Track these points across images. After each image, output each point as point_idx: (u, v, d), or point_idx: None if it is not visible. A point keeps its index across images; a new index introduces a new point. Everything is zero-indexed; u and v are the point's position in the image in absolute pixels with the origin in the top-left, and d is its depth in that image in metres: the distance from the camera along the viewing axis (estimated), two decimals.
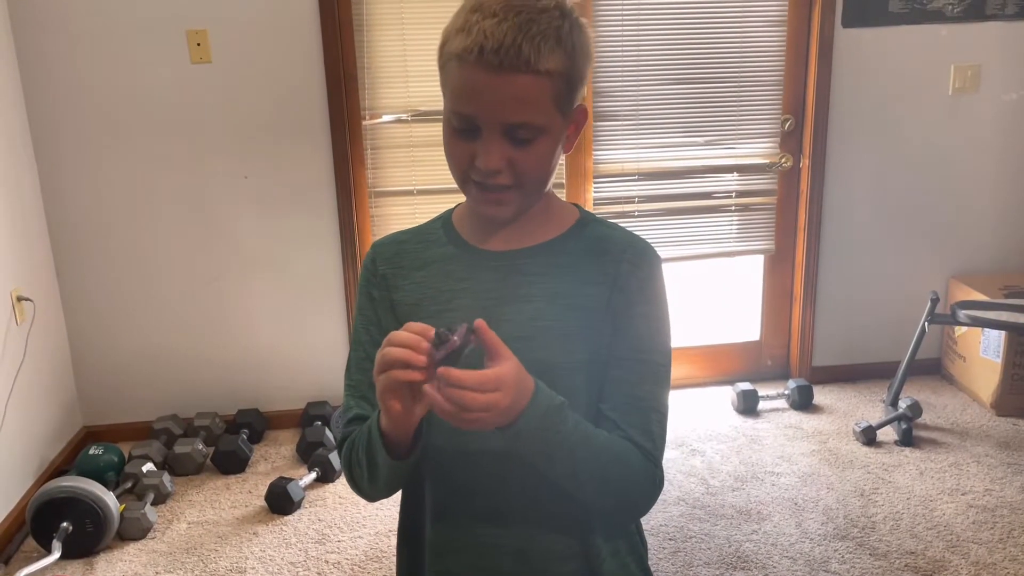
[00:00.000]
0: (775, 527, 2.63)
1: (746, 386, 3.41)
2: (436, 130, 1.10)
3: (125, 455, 3.00)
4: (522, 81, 1.00)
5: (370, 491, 1.14)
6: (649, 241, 1.18)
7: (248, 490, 2.94)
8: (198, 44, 3.02)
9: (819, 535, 2.58)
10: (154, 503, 2.81)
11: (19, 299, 2.87)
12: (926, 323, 3.14)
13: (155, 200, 3.15)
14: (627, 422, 1.11)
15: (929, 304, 3.13)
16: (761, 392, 3.43)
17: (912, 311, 3.40)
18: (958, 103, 3.39)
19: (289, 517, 2.77)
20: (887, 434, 3.16)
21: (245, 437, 3.14)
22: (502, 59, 0.99)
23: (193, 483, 3.00)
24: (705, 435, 3.22)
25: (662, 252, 1.18)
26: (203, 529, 2.72)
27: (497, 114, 1.02)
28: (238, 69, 3.06)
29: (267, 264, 3.25)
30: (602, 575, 1.15)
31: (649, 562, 1.25)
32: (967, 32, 3.31)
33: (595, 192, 3.37)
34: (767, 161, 3.44)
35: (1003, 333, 3.19)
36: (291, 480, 2.81)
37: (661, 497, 1.08)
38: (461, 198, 1.16)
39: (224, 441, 3.07)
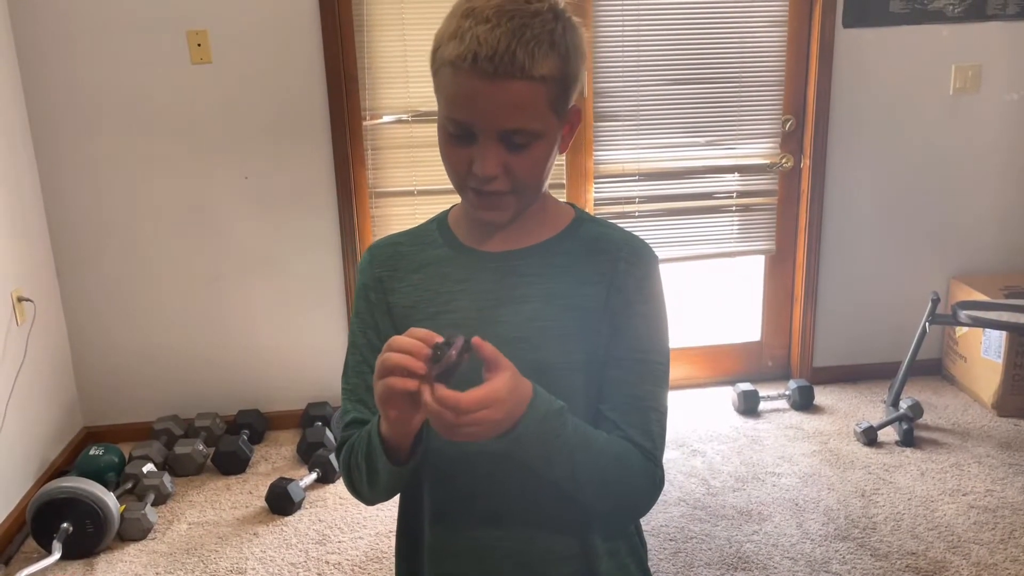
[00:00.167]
0: (776, 528, 2.63)
1: (747, 386, 3.41)
2: (436, 131, 1.10)
3: (125, 456, 3.00)
4: (517, 87, 1.00)
5: (369, 495, 1.14)
6: (648, 241, 1.17)
7: (248, 491, 2.94)
8: (198, 45, 3.02)
9: (820, 536, 2.58)
10: (154, 504, 2.81)
11: (19, 300, 2.87)
12: (927, 323, 3.13)
13: (155, 200, 3.15)
14: (627, 422, 1.10)
15: (930, 304, 3.12)
16: (762, 392, 3.42)
17: (913, 311, 3.40)
18: (959, 103, 3.39)
19: (289, 518, 2.77)
20: (888, 435, 3.16)
21: (245, 438, 3.14)
22: (496, 66, 0.98)
23: (193, 484, 3.00)
24: (706, 435, 3.22)
25: (663, 252, 1.18)
26: (203, 530, 2.72)
27: (493, 121, 1.01)
28: (238, 69, 3.06)
29: (268, 264, 3.25)
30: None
31: (649, 563, 1.25)
32: (968, 32, 3.31)
33: (596, 192, 3.36)
34: (768, 161, 3.44)
35: (1004, 333, 3.18)
36: (291, 481, 2.81)
37: (662, 498, 1.08)
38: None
39: (224, 442, 3.07)
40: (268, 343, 3.32)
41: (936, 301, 3.12)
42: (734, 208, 3.48)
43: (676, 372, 3.48)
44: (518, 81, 0.99)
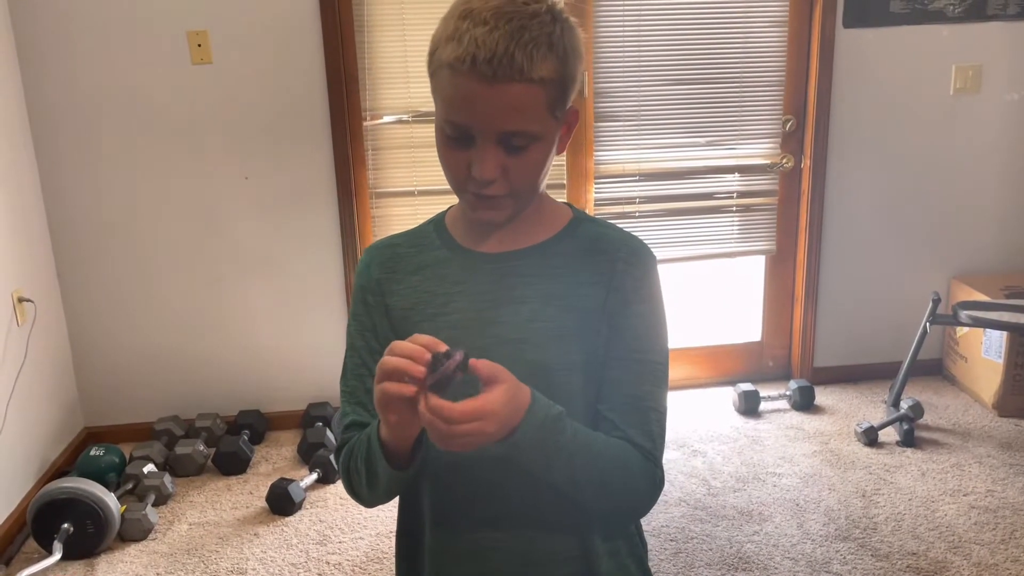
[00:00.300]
0: (777, 528, 2.63)
1: (747, 387, 3.41)
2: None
3: (126, 456, 3.00)
4: (516, 90, 0.99)
5: (369, 498, 1.14)
6: (649, 241, 1.17)
7: (249, 491, 2.94)
8: (199, 45, 3.02)
9: (821, 536, 2.58)
10: (155, 504, 2.81)
11: (20, 300, 2.88)
12: (927, 323, 3.13)
13: (156, 201, 3.15)
14: (626, 422, 1.10)
15: (931, 304, 3.12)
16: (762, 393, 3.42)
17: (913, 311, 3.40)
18: (959, 103, 3.39)
19: (290, 518, 2.77)
20: (889, 435, 3.15)
21: (246, 438, 3.14)
22: (495, 69, 0.97)
23: (194, 484, 3.00)
24: (706, 436, 3.22)
25: (663, 253, 1.18)
26: (204, 530, 2.72)
27: (491, 123, 1.01)
28: (239, 70, 3.06)
29: (268, 265, 3.25)
30: None
31: (650, 563, 1.25)
32: (968, 32, 3.31)
33: (596, 193, 3.36)
34: (768, 162, 3.44)
35: (1004, 333, 3.18)
36: (292, 481, 2.81)
37: (662, 498, 1.08)
38: None
39: (225, 442, 3.07)
40: (269, 343, 3.32)
41: (937, 301, 3.12)
42: (734, 208, 3.48)
43: (676, 372, 3.48)
44: (517, 84, 0.99)
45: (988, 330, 3.24)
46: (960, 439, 3.14)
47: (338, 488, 2.94)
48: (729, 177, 3.45)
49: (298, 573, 2.50)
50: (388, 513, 2.75)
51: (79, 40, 2.97)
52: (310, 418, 3.27)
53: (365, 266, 1.20)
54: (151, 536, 2.69)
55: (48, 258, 3.12)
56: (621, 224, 1.21)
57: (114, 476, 2.88)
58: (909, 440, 3.08)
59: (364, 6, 3.07)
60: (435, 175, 3.20)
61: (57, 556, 2.51)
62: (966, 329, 3.39)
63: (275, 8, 3.02)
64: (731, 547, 2.54)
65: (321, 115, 3.12)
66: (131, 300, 3.22)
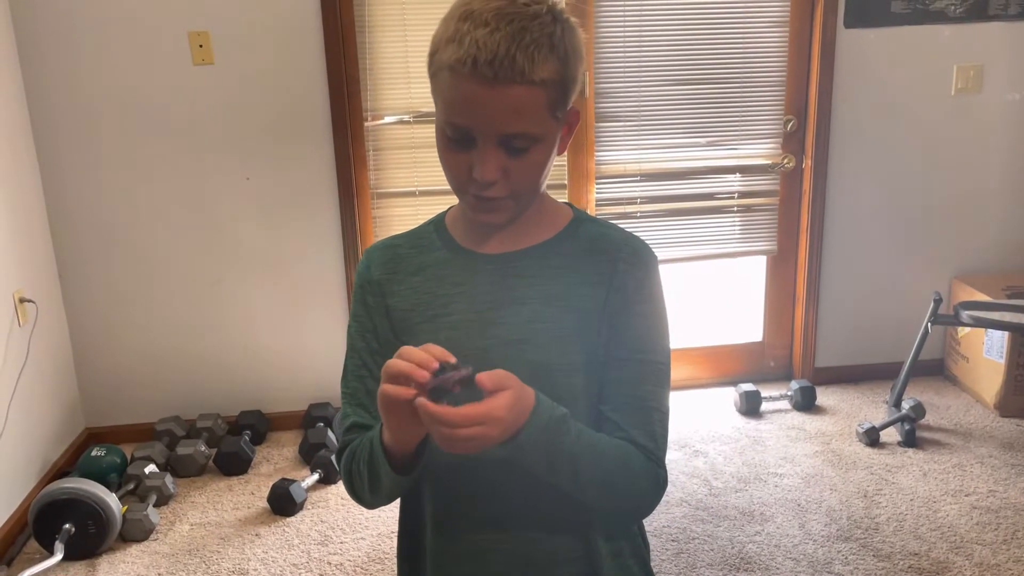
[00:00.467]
0: (778, 528, 2.62)
1: (749, 387, 3.40)
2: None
3: (127, 456, 3.00)
4: (517, 92, 0.99)
5: (371, 500, 1.14)
6: (650, 241, 1.17)
7: (250, 491, 2.94)
8: (200, 46, 3.02)
9: (822, 536, 2.58)
10: (156, 505, 2.81)
11: (21, 301, 2.88)
12: (929, 324, 3.13)
13: (157, 202, 3.15)
14: (629, 423, 1.10)
15: (932, 305, 3.12)
16: (764, 393, 3.42)
17: (915, 312, 3.40)
18: (961, 104, 3.39)
19: (291, 518, 2.77)
20: (890, 435, 3.15)
21: (247, 438, 3.14)
22: (496, 71, 0.97)
23: (195, 484, 3.00)
24: (708, 436, 3.22)
25: (664, 253, 1.18)
26: (205, 531, 2.72)
27: (493, 125, 1.01)
28: (240, 71, 3.06)
29: (269, 265, 3.25)
30: None
31: (652, 563, 1.25)
32: (970, 32, 3.31)
33: (597, 193, 3.36)
34: (769, 162, 3.44)
35: (1006, 334, 3.18)
36: (293, 481, 2.81)
37: (664, 498, 1.08)
38: None
39: (226, 442, 3.07)
40: (270, 344, 3.32)
41: (938, 301, 3.11)
42: (736, 208, 3.48)
43: (678, 373, 3.47)
44: (518, 86, 0.98)
45: (989, 330, 3.24)
46: (962, 439, 3.14)
47: (339, 488, 2.93)
48: (730, 177, 3.45)
49: (299, 573, 2.49)
50: (389, 513, 2.75)
51: (80, 41, 2.97)
52: (311, 418, 3.27)
53: (365, 267, 1.20)
54: (152, 537, 2.69)
55: (49, 258, 3.12)
56: (622, 224, 1.21)
57: (115, 477, 2.88)
58: (911, 440, 3.08)
59: (365, 7, 3.07)
60: (436, 175, 3.18)
61: (58, 556, 2.51)
62: (967, 329, 3.39)
63: (276, 9, 3.02)
64: (733, 547, 2.54)
65: (322, 115, 3.13)
66: (132, 300, 3.22)
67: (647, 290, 1.13)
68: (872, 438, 3.09)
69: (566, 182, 3.34)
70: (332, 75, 3.09)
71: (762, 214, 3.50)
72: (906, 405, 3.17)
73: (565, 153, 1.20)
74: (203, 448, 3.07)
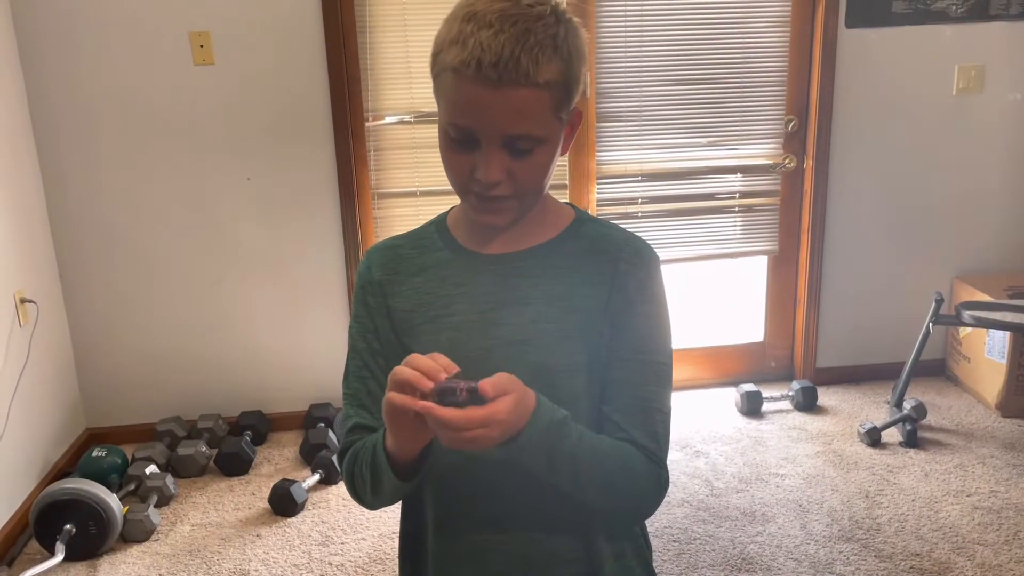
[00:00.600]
0: (780, 529, 2.62)
1: (750, 387, 3.40)
2: (438, 133, 1.09)
3: (128, 457, 3.00)
4: (521, 94, 0.99)
5: (372, 502, 1.14)
6: (651, 242, 1.17)
7: (251, 492, 2.94)
8: (201, 46, 3.02)
9: (824, 537, 2.57)
10: (157, 505, 2.81)
11: (22, 301, 2.88)
12: (930, 324, 3.13)
13: (158, 202, 3.15)
14: (630, 424, 1.10)
15: (933, 305, 3.12)
16: (765, 393, 3.42)
17: (916, 312, 3.40)
18: (962, 103, 3.38)
19: (292, 519, 2.77)
20: (892, 435, 3.15)
21: (248, 439, 3.14)
22: (501, 73, 0.97)
23: (196, 485, 3.00)
24: (709, 437, 3.21)
25: (666, 253, 1.18)
26: (206, 531, 2.72)
27: (496, 127, 1.00)
28: (241, 71, 3.06)
29: (270, 266, 3.25)
30: None
31: (653, 564, 1.25)
32: (971, 32, 3.31)
33: (598, 193, 3.36)
34: (771, 162, 3.44)
35: (1008, 334, 3.18)
36: (294, 482, 2.81)
37: (665, 499, 1.07)
38: None
39: (227, 443, 3.07)
40: (271, 344, 3.32)
41: (940, 301, 3.11)
42: (737, 209, 3.48)
43: (679, 373, 3.45)
44: (522, 88, 0.98)
45: (991, 330, 3.23)
46: (963, 440, 3.13)
47: (340, 489, 2.93)
48: (731, 177, 3.45)
49: (301, 574, 2.49)
50: (391, 514, 2.74)
51: (81, 41, 2.97)
52: (312, 419, 3.27)
53: (366, 267, 1.20)
54: (153, 537, 2.69)
55: (50, 259, 3.12)
56: (624, 225, 1.20)
57: (116, 477, 2.88)
58: (912, 441, 3.07)
59: (366, 7, 3.07)
60: (437, 176, 3.19)
61: (59, 557, 2.51)
62: (969, 329, 3.39)
63: (277, 9, 3.02)
64: (734, 548, 2.53)
65: (323, 116, 3.12)
66: (133, 301, 3.22)
67: (649, 290, 1.13)
68: (873, 438, 3.09)
69: (567, 182, 3.34)
70: (333, 75, 3.08)
71: (763, 214, 3.50)
72: (907, 405, 3.16)
73: (567, 154, 1.19)
74: (204, 449, 3.07)
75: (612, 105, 3.29)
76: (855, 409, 3.40)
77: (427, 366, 0.93)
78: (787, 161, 3.42)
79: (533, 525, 1.13)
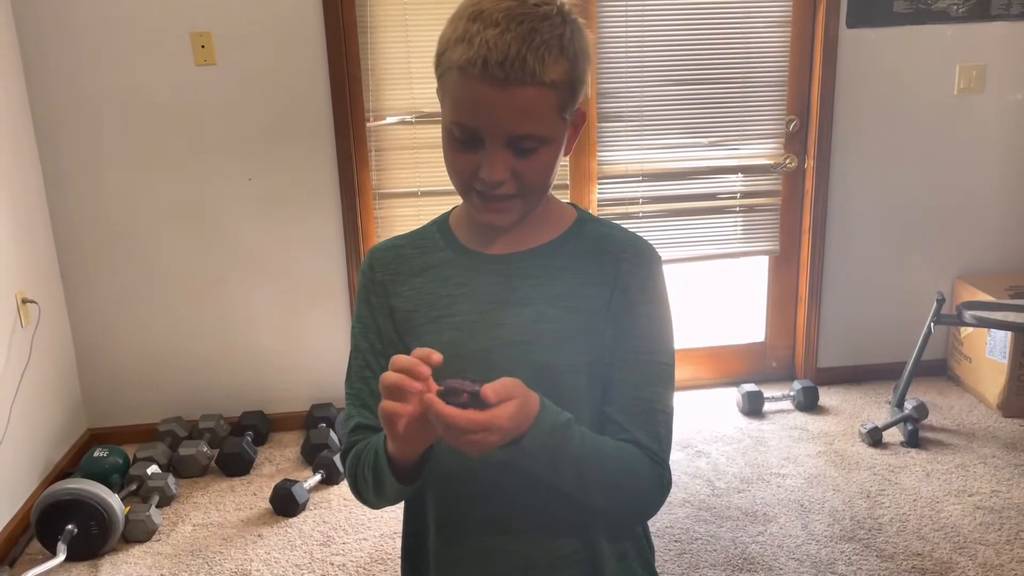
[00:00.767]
0: (781, 529, 2.62)
1: (751, 387, 3.40)
2: (440, 132, 1.09)
3: (130, 457, 3.00)
4: (527, 94, 0.98)
5: (375, 503, 1.14)
6: (652, 242, 1.17)
7: (253, 492, 2.94)
8: (202, 46, 3.02)
9: (825, 537, 2.57)
10: (159, 505, 2.81)
11: (24, 301, 2.88)
12: (932, 324, 3.13)
13: (159, 202, 3.15)
14: (633, 424, 1.10)
15: (935, 305, 3.12)
16: (766, 393, 3.42)
17: (917, 312, 3.40)
18: (963, 103, 3.38)
19: (294, 519, 2.77)
20: (893, 435, 3.15)
21: (249, 439, 3.14)
22: (507, 72, 0.96)
23: (198, 485, 3.00)
24: (710, 437, 3.21)
25: (667, 253, 1.18)
26: (208, 531, 2.72)
27: (502, 126, 1.00)
28: (242, 71, 3.06)
29: (271, 266, 3.25)
30: None
31: (655, 564, 1.25)
32: (972, 32, 3.31)
33: (599, 193, 3.36)
34: (772, 162, 3.44)
35: (1009, 334, 3.18)
36: (296, 482, 2.81)
37: (667, 499, 1.08)
38: None
39: (229, 443, 3.07)
40: (272, 344, 3.32)
41: (941, 301, 3.11)
42: (738, 209, 3.48)
43: (680, 373, 3.45)
44: (528, 87, 0.98)
45: (992, 330, 3.23)
46: (965, 440, 3.13)
47: (342, 489, 2.93)
48: (733, 177, 3.45)
49: (302, 574, 2.49)
50: (392, 514, 2.75)
51: (82, 41, 2.97)
52: (313, 419, 3.27)
53: (368, 267, 1.20)
54: (155, 537, 2.69)
55: (52, 259, 3.12)
56: (625, 225, 1.20)
57: (118, 477, 2.88)
58: (913, 441, 3.07)
59: (367, 7, 3.07)
60: (439, 176, 3.20)
61: (61, 557, 2.51)
62: (970, 329, 3.39)
63: (278, 9, 3.02)
64: (736, 548, 2.53)
65: (324, 116, 3.13)
66: (134, 301, 3.22)
67: (651, 290, 1.12)
68: (875, 438, 3.09)
69: (568, 182, 3.34)
70: (334, 75, 3.08)
71: (764, 214, 3.50)
72: (909, 405, 3.16)
73: (570, 153, 1.19)
74: (205, 449, 3.07)
75: (613, 105, 3.29)
76: (856, 409, 3.40)
77: (409, 364, 0.92)
78: (788, 161, 3.42)
79: (535, 527, 1.13)
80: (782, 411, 3.41)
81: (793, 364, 3.70)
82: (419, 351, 0.94)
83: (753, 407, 3.37)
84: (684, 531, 2.62)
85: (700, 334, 3.66)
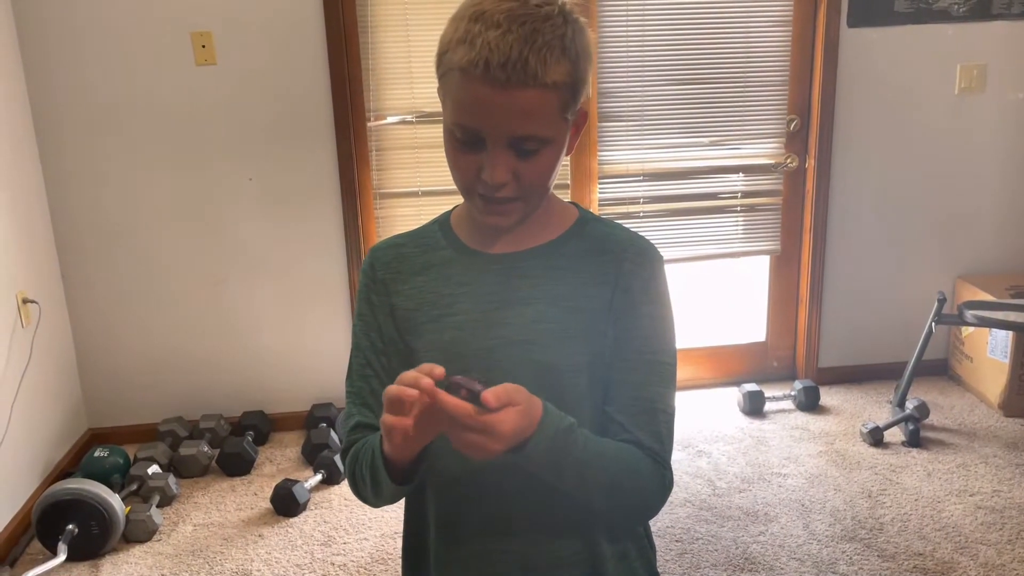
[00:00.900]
0: (782, 529, 2.62)
1: (752, 387, 3.40)
2: (440, 132, 1.08)
3: (130, 457, 3.00)
4: (529, 95, 0.98)
5: (374, 502, 1.14)
6: (653, 241, 1.16)
7: (253, 492, 2.94)
8: (203, 46, 3.02)
9: (827, 536, 2.57)
10: (159, 505, 2.81)
11: (24, 301, 2.88)
12: (933, 323, 3.12)
13: (159, 202, 3.15)
14: (634, 424, 1.10)
15: (936, 304, 3.11)
16: (767, 393, 3.41)
17: (919, 311, 3.39)
18: (964, 103, 3.38)
19: (295, 519, 2.77)
20: (894, 435, 3.15)
21: (250, 439, 3.14)
22: (509, 74, 0.96)
23: (198, 485, 3.00)
24: (711, 436, 3.21)
25: (668, 253, 1.17)
26: (209, 531, 2.72)
27: (503, 128, 1.00)
28: (243, 71, 3.06)
29: (272, 266, 3.25)
30: None
31: (656, 564, 1.25)
32: (973, 32, 3.30)
33: (600, 193, 3.36)
34: (773, 161, 3.43)
35: (1010, 333, 3.17)
36: (296, 482, 2.81)
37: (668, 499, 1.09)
38: None
39: (229, 443, 3.07)
40: (272, 344, 3.32)
41: (942, 301, 3.11)
42: (739, 208, 3.48)
43: (681, 373, 3.45)
44: (530, 89, 0.98)
45: (994, 330, 3.23)
46: (966, 439, 3.13)
47: (342, 489, 2.93)
48: (733, 177, 3.44)
49: (303, 574, 2.49)
50: (393, 514, 2.74)
51: (83, 42, 2.97)
52: (314, 419, 3.27)
53: (370, 266, 1.20)
54: (155, 537, 2.69)
55: (52, 259, 3.12)
56: (625, 224, 1.20)
57: (118, 477, 2.87)
58: (915, 440, 3.07)
59: (368, 7, 3.07)
60: (439, 175, 3.21)
61: (62, 557, 2.51)
62: (972, 329, 3.38)
63: (279, 9, 3.02)
64: (737, 548, 2.53)
65: (325, 116, 3.12)
66: (135, 301, 3.22)
67: (653, 290, 1.12)
68: (876, 438, 3.09)
69: (569, 182, 3.34)
70: (335, 75, 3.08)
71: (765, 214, 3.50)
72: (910, 405, 3.16)
73: (571, 154, 1.19)
74: (206, 449, 3.07)
75: (614, 105, 3.29)
76: (857, 409, 3.40)
77: (413, 380, 0.92)
78: (789, 161, 3.42)
79: (536, 527, 1.13)
80: (783, 411, 3.40)
81: (794, 364, 3.69)
82: (424, 366, 0.93)
83: (754, 407, 3.36)
84: (685, 531, 2.62)
85: (701, 334, 3.66)
